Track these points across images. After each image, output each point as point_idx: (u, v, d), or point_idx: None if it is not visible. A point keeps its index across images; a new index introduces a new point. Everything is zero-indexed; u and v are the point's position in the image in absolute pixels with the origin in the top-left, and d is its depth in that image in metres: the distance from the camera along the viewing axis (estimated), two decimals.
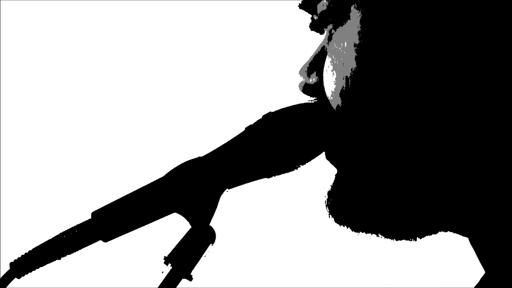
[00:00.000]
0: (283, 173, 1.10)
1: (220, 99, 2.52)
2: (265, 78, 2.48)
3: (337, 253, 2.39)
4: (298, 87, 1.10)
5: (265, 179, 1.10)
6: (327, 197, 1.06)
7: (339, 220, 1.05)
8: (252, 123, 1.09)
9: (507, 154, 0.96)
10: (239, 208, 2.13)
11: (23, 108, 2.55)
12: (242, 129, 1.09)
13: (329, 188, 1.07)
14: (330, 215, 1.06)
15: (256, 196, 2.25)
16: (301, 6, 1.09)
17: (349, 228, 1.05)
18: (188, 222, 1.06)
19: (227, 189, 1.08)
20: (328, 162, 1.08)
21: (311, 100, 1.09)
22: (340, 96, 1.02)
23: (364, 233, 1.05)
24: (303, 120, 1.08)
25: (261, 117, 1.09)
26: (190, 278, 1.04)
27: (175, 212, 1.07)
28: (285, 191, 2.31)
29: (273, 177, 1.10)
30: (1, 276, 1.05)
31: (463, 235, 1.05)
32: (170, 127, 2.52)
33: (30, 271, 1.06)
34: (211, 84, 2.54)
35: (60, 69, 2.56)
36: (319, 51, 1.08)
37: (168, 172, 1.07)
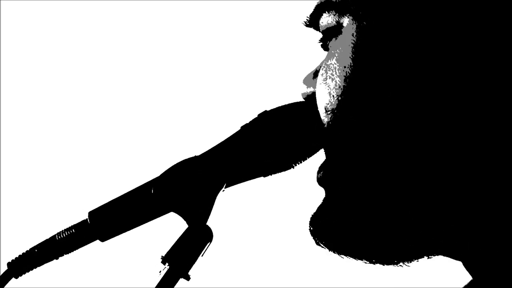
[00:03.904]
0: (280, 171, 1.10)
1: (215, 98, 2.52)
2: (260, 77, 2.48)
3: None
4: (301, 95, 1.09)
5: (262, 178, 1.10)
6: (312, 219, 1.04)
7: (321, 242, 1.02)
8: (247, 122, 1.09)
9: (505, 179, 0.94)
10: (236, 207, 2.13)
11: (23, 107, 2.55)
12: (238, 128, 1.09)
13: (315, 211, 1.04)
14: (314, 237, 1.03)
15: (253, 195, 2.25)
16: (307, 25, 1.08)
17: (329, 250, 1.02)
18: (185, 221, 1.06)
19: (223, 188, 1.08)
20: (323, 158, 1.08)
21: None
22: (325, 111, 1.01)
23: (347, 257, 1.02)
24: (298, 119, 1.07)
25: (256, 116, 1.09)
26: (187, 278, 1.04)
27: (172, 211, 1.07)
28: (282, 190, 2.32)
29: (270, 176, 1.10)
30: None
31: (456, 259, 1.02)
32: (166, 126, 2.52)
33: (28, 271, 1.06)
34: (206, 84, 2.54)
35: (60, 69, 2.56)
36: (321, 63, 1.07)
37: (165, 171, 1.07)
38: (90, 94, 2.57)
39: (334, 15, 1.01)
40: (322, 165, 1.05)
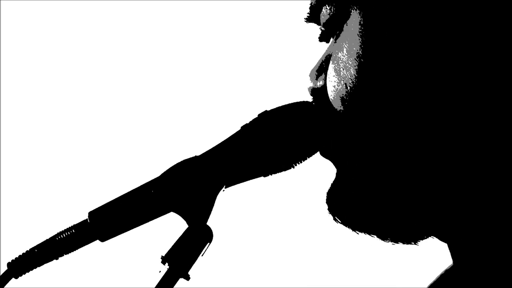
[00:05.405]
0: (280, 171, 1.10)
1: (216, 98, 2.52)
2: (261, 77, 2.48)
3: (335, 251, 2.39)
4: (307, 90, 1.10)
5: (262, 177, 1.10)
6: (327, 195, 1.06)
7: (339, 218, 1.05)
8: (248, 122, 1.09)
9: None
10: (236, 207, 2.13)
11: (23, 107, 2.55)
12: (238, 128, 1.09)
13: (330, 186, 1.07)
14: (330, 213, 1.06)
15: (253, 195, 2.25)
16: (307, 20, 1.10)
17: (347, 227, 1.05)
18: (185, 221, 1.06)
19: (224, 188, 1.08)
20: (324, 160, 1.09)
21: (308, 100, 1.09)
22: (341, 100, 1.02)
23: (363, 233, 1.04)
24: (298, 119, 1.08)
25: (257, 116, 1.09)
26: (187, 278, 1.04)
27: (172, 211, 1.07)
28: (282, 190, 2.32)
29: (270, 175, 1.10)
30: None
31: (444, 241, 1.05)
32: (167, 126, 2.52)
33: (28, 271, 1.06)
34: (207, 84, 2.54)
35: (60, 69, 2.56)
36: (325, 56, 1.08)
37: (165, 171, 1.07)
38: (90, 94, 2.57)
39: (337, 7, 1.02)
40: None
